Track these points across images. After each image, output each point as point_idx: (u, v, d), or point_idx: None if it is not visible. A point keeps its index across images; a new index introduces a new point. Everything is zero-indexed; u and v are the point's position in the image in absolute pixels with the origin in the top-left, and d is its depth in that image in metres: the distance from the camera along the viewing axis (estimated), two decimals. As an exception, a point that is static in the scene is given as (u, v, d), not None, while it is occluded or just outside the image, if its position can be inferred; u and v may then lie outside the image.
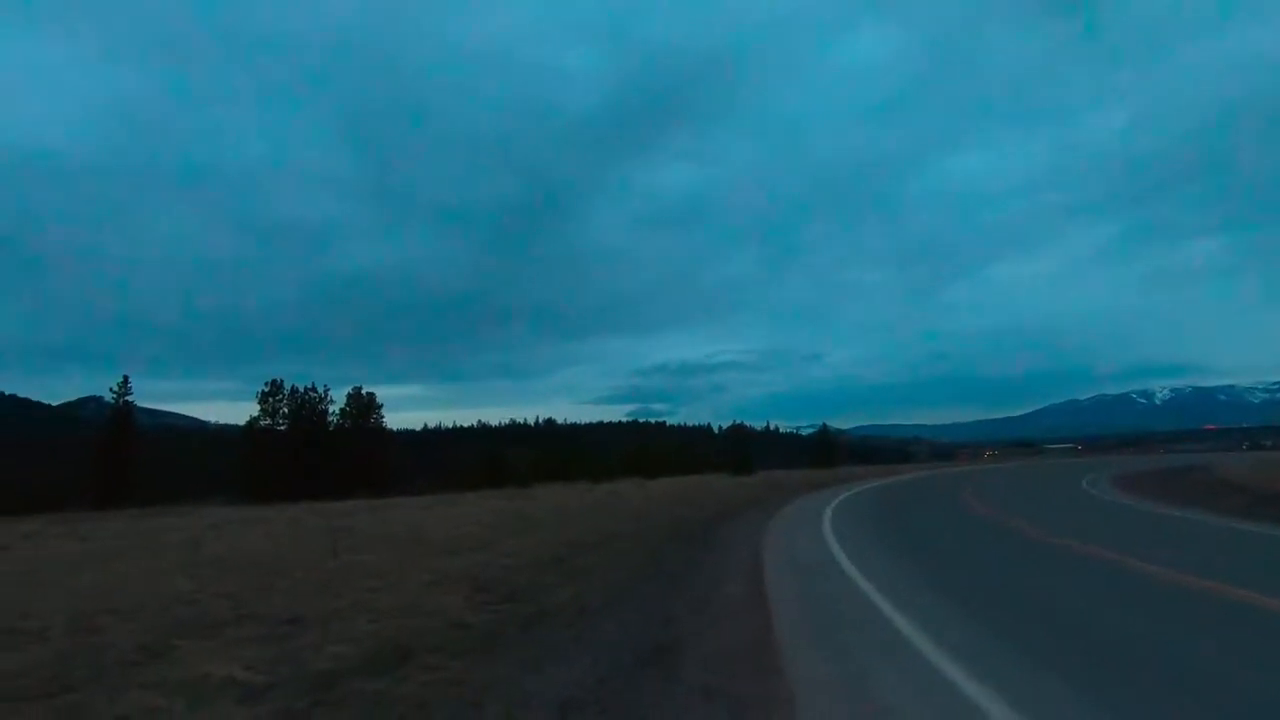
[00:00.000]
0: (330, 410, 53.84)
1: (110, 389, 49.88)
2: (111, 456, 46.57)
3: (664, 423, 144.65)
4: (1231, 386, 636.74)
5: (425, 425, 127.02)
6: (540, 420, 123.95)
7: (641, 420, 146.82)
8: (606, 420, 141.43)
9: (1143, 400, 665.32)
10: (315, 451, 50.11)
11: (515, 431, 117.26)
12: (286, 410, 52.64)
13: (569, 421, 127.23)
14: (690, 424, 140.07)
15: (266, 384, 52.85)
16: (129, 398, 50.54)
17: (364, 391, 56.09)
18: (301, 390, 53.28)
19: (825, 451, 63.13)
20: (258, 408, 52.23)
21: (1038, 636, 4.72)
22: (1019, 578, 7.22)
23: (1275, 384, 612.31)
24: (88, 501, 38.88)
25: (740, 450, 54.87)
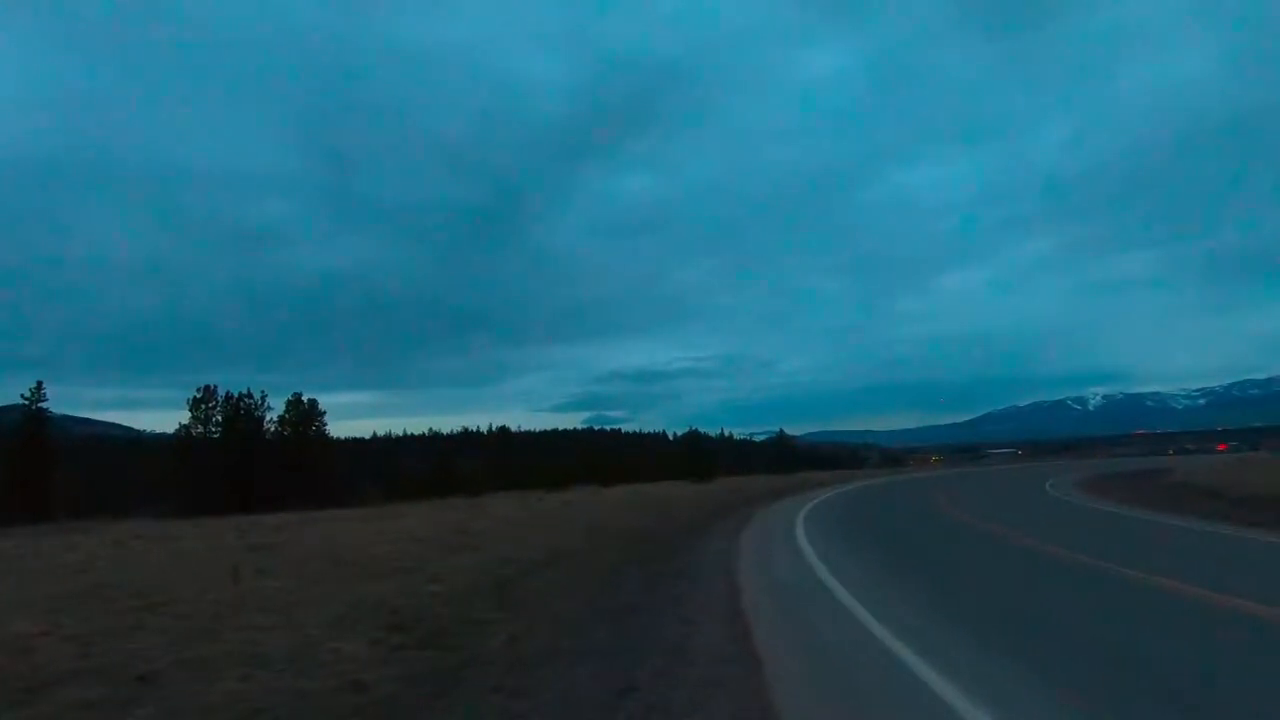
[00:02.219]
0: (268, 418, 51.11)
1: (21, 395, 46.16)
2: (21, 468, 42.96)
3: (619, 430, 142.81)
4: (1158, 393, 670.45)
5: (375, 433, 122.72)
6: (494, 428, 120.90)
7: (596, 428, 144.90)
8: (562, 428, 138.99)
9: (1078, 406, 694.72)
10: (251, 461, 47.38)
11: (468, 440, 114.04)
12: (220, 418, 49.75)
13: (523, 429, 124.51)
14: (646, 431, 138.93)
15: (198, 390, 49.93)
16: (43, 404, 46.89)
17: (304, 398, 53.45)
18: (236, 396, 50.36)
19: (783, 457, 62.77)
20: (189, 415, 49.24)
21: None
22: (1039, 601, 6.29)
23: (1197, 391, 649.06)
24: (-8, 517, 35.58)
25: (698, 457, 54.03)
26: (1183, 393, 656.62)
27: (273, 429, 51.23)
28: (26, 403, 46.04)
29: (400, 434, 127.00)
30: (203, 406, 49.87)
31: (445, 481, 49.57)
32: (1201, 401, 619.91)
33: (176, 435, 49.77)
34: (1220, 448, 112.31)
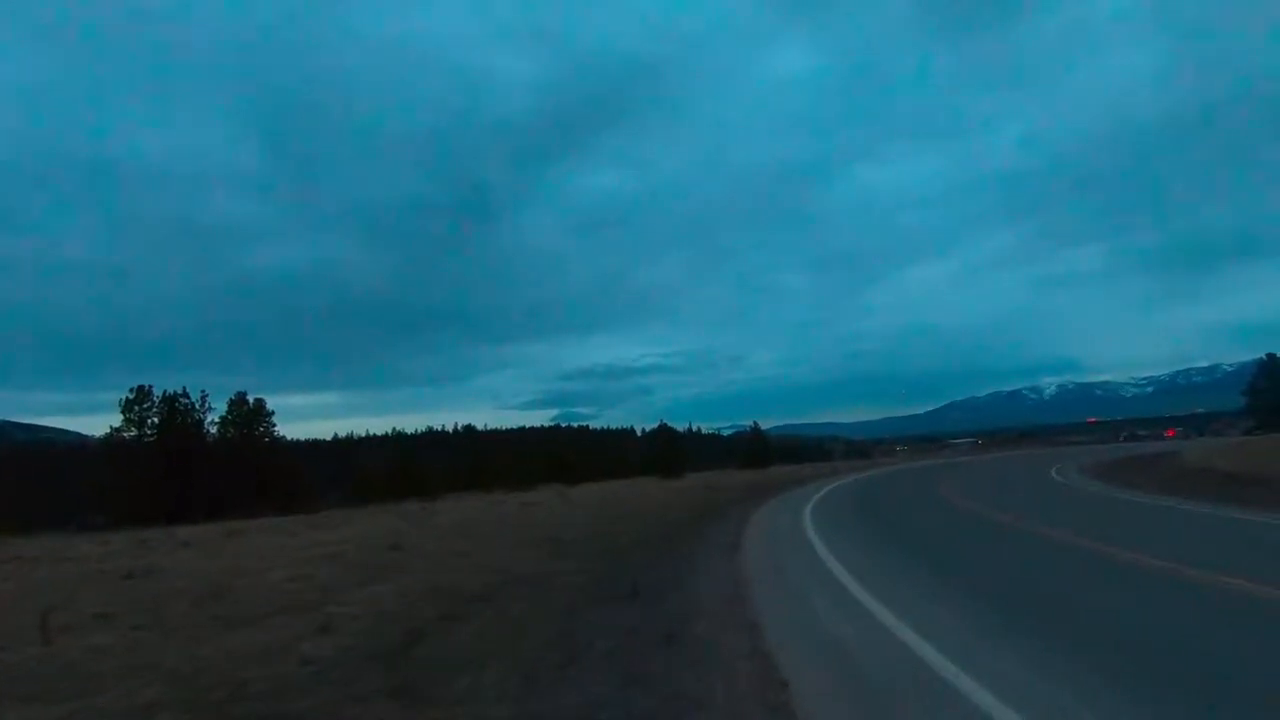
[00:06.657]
0: (209, 419, 47.61)
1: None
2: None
3: (587, 426, 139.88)
4: (1107, 382, 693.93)
5: (336, 434, 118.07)
6: (460, 427, 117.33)
7: (564, 425, 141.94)
8: (530, 425, 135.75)
9: (1033, 396, 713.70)
10: (188, 467, 43.97)
11: (434, 439, 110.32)
12: (156, 420, 46.17)
13: (490, 428, 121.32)
14: (614, 427, 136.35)
15: (131, 390, 46.22)
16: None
17: (250, 398, 49.98)
18: (173, 397, 46.73)
19: (759, 452, 60.98)
20: (120, 418, 45.55)
21: None
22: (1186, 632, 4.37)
23: (1144, 380, 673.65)
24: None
25: (669, 453, 51.95)
26: (1131, 381, 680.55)
27: (214, 431, 47.84)
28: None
29: (364, 434, 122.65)
30: (136, 408, 46.28)
31: (405, 483, 46.83)
32: (1149, 389, 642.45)
33: (106, 439, 46.09)
34: (1169, 433, 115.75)
